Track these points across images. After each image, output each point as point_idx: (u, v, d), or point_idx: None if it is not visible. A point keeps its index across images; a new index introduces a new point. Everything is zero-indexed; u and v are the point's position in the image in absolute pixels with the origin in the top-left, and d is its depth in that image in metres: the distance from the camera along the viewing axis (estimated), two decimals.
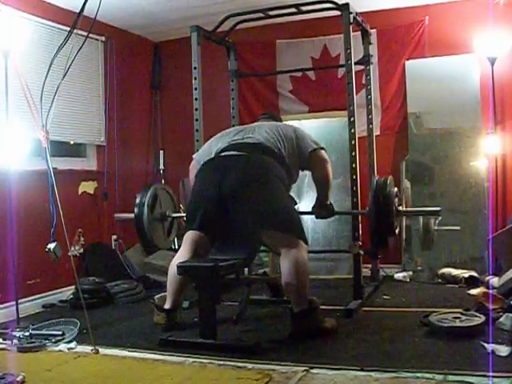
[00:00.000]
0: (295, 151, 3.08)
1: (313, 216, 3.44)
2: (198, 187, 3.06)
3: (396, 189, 3.34)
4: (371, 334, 2.88)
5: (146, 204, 3.58)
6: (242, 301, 3.19)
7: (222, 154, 3.05)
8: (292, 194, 3.28)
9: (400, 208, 3.37)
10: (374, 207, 3.16)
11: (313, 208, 3.32)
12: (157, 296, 3.20)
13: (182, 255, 3.02)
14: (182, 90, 4.82)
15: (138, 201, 3.63)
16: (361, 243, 3.50)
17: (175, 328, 3.03)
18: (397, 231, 3.32)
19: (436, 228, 3.50)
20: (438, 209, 3.37)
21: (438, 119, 4.52)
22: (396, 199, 3.28)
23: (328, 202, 3.28)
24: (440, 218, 3.93)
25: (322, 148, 3.13)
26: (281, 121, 3.61)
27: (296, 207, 3.28)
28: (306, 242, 2.94)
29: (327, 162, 3.12)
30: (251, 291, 3.28)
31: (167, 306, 3.07)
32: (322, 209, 3.31)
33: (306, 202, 4.39)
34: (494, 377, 2.12)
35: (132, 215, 3.68)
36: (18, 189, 3.44)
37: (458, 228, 3.55)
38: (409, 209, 3.68)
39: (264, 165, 2.94)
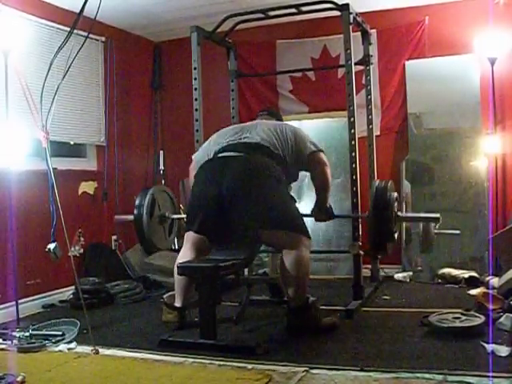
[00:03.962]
0: (294, 152, 3.07)
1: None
2: (197, 188, 3.06)
3: (396, 194, 3.32)
4: (371, 334, 2.88)
5: (144, 206, 3.57)
6: (242, 301, 3.19)
7: (220, 154, 3.06)
8: (292, 193, 3.28)
9: (399, 213, 3.35)
10: (374, 213, 3.15)
11: (312, 211, 3.31)
12: (166, 295, 3.19)
13: (185, 254, 3.04)
14: (182, 90, 4.83)
15: (136, 203, 3.62)
16: (361, 243, 3.50)
17: (188, 326, 3.03)
18: (396, 236, 3.32)
19: (436, 232, 3.50)
20: (437, 216, 3.32)
21: (437, 119, 4.52)
22: (396, 204, 3.28)
23: (327, 205, 3.27)
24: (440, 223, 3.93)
25: (321, 150, 3.13)
26: (280, 117, 3.60)
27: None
28: (309, 237, 2.95)
29: (326, 165, 3.12)
30: (251, 291, 3.28)
31: (178, 304, 3.07)
32: (321, 212, 3.28)
33: (305, 201, 4.39)
34: (494, 377, 2.12)
35: (131, 217, 3.67)
36: (18, 189, 3.44)
37: (458, 232, 3.54)
38: (408, 214, 3.67)
39: (262, 165, 2.94)
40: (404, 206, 4.02)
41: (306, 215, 3.31)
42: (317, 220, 3.37)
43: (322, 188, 3.19)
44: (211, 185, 2.94)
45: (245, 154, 2.99)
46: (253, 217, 2.84)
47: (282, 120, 3.53)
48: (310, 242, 2.95)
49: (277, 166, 2.98)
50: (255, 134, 3.07)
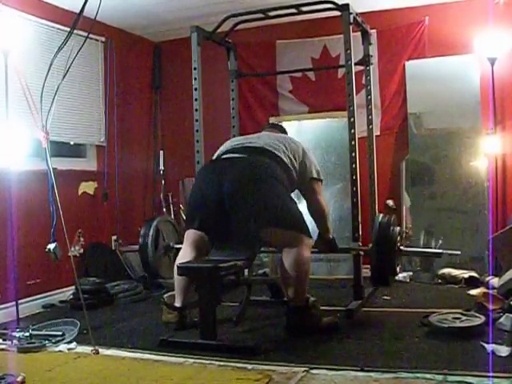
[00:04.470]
0: (300, 167, 3.12)
1: None
2: (197, 187, 3.07)
3: (399, 228, 3.35)
4: (371, 334, 2.88)
5: (149, 239, 3.71)
6: (242, 301, 3.19)
7: (223, 156, 3.10)
8: (292, 194, 3.28)
9: (402, 248, 3.38)
10: (377, 248, 3.17)
11: (315, 243, 3.32)
12: (166, 295, 3.20)
13: (185, 254, 3.05)
14: (182, 90, 4.82)
15: (141, 235, 3.75)
16: (361, 244, 3.49)
17: (187, 326, 3.04)
18: (398, 269, 3.37)
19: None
20: (440, 251, 3.45)
21: (437, 119, 4.52)
22: (398, 238, 3.31)
23: (330, 237, 3.33)
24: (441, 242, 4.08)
25: (321, 180, 3.23)
26: (284, 129, 3.62)
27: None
28: (310, 236, 2.96)
29: (320, 195, 3.22)
30: (251, 292, 3.28)
31: (178, 304, 3.08)
32: (324, 244, 3.35)
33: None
34: (494, 377, 2.12)
35: (136, 247, 3.83)
36: (18, 189, 3.44)
37: (459, 252, 3.61)
38: (410, 249, 3.75)
39: (263, 166, 2.95)
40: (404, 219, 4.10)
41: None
42: (320, 252, 3.45)
43: (319, 218, 3.27)
44: (212, 184, 2.94)
45: (247, 156, 3.01)
46: (253, 215, 2.84)
47: (286, 133, 3.56)
48: (310, 242, 2.96)
49: (279, 168, 2.99)
50: (261, 140, 3.13)
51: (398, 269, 3.36)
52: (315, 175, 3.19)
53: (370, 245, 3.25)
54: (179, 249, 3.81)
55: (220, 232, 2.98)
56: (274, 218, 2.85)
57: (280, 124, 3.92)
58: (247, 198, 2.86)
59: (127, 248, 4.35)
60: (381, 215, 3.38)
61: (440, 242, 4.32)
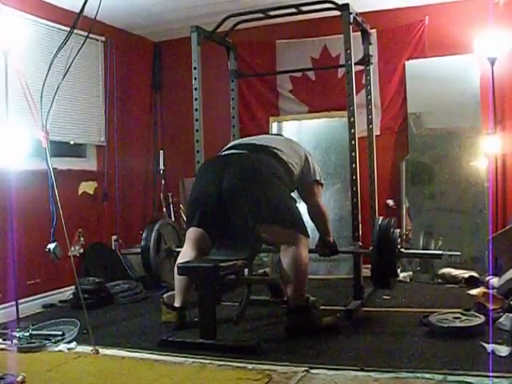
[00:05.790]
0: (300, 167, 3.14)
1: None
2: (197, 184, 3.08)
3: (398, 230, 3.36)
4: (371, 334, 2.88)
5: (151, 243, 3.70)
6: (242, 301, 3.19)
7: (224, 152, 3.12)
8: (292, 194, 3.29)
9: (402, 250, 3.38)
10: (377, 251, 3.18)
11: (316, 247, 3.34)
12: (165, 295, 3.21)
13: (186, 253, 3.05)
14: (182, 90, 4.82)
15: (143, 238, 3.75)
16: (361, 243, 3.50)
17: (186, 326, 3.04)
18: (398, 271, 3.38)
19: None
20: (439, 252, 3.45)
21: (438, 119, 4.52)
22: (399, 241, 3.32)
23: (331, 240, 3.34)
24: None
25: (322, 184, 3.27)
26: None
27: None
28: (308, 236, 2.96)
29: (320, 199, 3.25)
30: (251, 291, 3.28)
31: (177, 304, 3.08)
32: (325, 247, 3.36)
33: None
34: (494, 377, 2.12)
35: (138, 250, 3.83)
36: (18, 189, 3.44)
37: (459, 253, 3.64)
38: (411, 251, 3.79)
39: (263, 162, 2.96)
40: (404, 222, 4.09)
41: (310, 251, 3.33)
42: (320, 255, 3.45)
43: (319, 220, 3.28)
44: (212, 180, 2.95)
45: (248, 152, 3.03)
46: (251, 211, 2.84)
47: None
48: (308, 241, 2.95)
49: (280, 166, 3.00)
50: (264, 140, 3.17)
51: (398, 271, 3.36)
52: (318, 177, 3.22)
53: (371, 247, 3.25)
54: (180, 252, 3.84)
55: (220, 229, 2.98)
56: (271, 214, 2.85)
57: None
58: (246, 193, 2.86)
59: (129, 251, 4.35)
60: (381, 218, 3.38)
61: (440, 242, 4.32)
